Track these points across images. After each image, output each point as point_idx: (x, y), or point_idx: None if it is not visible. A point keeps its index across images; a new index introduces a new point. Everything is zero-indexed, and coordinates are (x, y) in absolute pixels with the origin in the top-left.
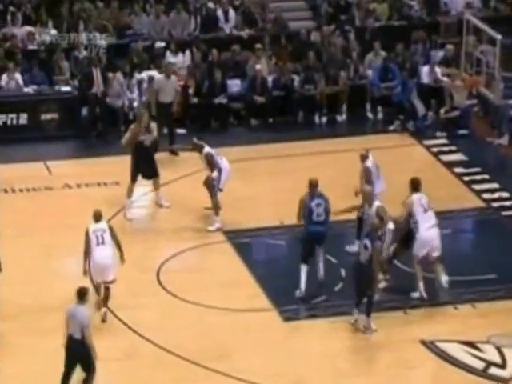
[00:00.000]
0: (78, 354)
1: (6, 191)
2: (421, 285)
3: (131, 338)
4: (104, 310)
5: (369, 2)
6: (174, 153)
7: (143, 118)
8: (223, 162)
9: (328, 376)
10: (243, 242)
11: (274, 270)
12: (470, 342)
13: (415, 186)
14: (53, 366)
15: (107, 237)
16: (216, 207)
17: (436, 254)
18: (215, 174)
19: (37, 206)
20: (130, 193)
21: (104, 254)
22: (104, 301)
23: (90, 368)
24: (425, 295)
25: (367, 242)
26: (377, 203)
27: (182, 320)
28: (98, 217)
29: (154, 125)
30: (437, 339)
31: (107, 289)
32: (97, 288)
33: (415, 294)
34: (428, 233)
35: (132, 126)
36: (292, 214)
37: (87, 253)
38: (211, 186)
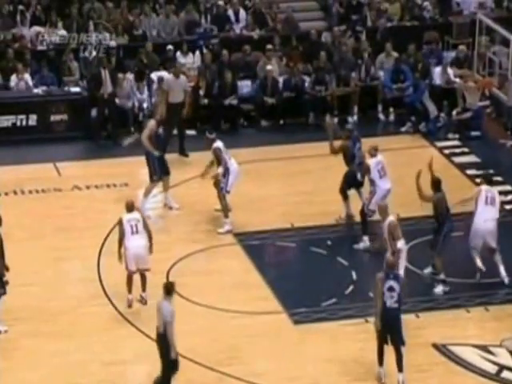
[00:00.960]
0: (159, 348)
1: (15, 193)
2: (477, 261)
3: (142, 341)
4: (144, 294)
5: (380, 1)
6: (184, 154)
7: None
8: (232, 164)
9: (340, 380)
10: (253, 244)
11: (284, 272)
12: (483, 346)
13: (489, 180)
14: (63, 369)
15: (141, 226)
16: (225, 209)
17: (493, 244)
18: (220, 169)
19: (46, 208)
20: (147, 193)
21: (138, 243)
22: (143, 286)
23: (164, 365)
24: (483, 268)
25: (391, 283)
26: (390, 218)
27: (192, 323)
28: (130, 207)
29: (151, 122)
30: (449, 343)
31: (143, 275)
32: (129, 277)
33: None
34: (483, 225)
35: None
36: (302, 216)
37: (121, 242)
38: (220, 187)
